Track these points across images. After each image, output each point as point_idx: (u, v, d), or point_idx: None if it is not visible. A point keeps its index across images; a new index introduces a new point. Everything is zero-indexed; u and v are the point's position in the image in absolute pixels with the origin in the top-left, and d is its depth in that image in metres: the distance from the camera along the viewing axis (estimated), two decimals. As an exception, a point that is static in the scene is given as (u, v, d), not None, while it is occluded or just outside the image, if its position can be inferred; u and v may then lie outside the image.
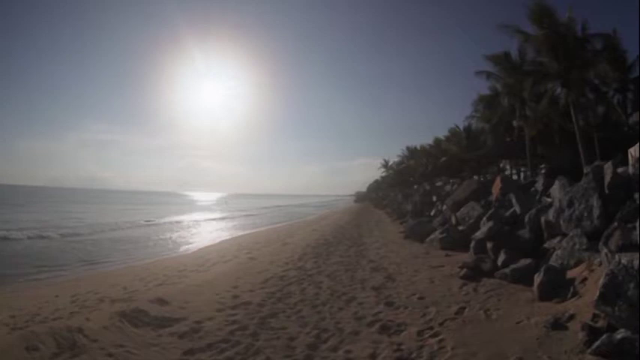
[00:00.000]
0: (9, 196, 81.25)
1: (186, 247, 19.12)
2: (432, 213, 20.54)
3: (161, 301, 7.32)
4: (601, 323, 4.46)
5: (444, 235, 12.76)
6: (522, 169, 33.97)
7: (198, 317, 6.49)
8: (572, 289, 5.87)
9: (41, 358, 4.91)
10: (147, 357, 5.08)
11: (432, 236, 13.46)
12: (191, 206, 73.45)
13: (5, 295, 9.20)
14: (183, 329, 5.94)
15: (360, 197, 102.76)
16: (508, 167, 36.56)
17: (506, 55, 27.18)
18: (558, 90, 23.16)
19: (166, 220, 36.51)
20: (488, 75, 28.66)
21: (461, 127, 40.61)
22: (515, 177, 33.06)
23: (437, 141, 50.62)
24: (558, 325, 4.89)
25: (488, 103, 30.35)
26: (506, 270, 7.69)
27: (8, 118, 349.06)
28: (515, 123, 28.94)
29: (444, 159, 42.22)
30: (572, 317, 4.98)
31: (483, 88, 30.79)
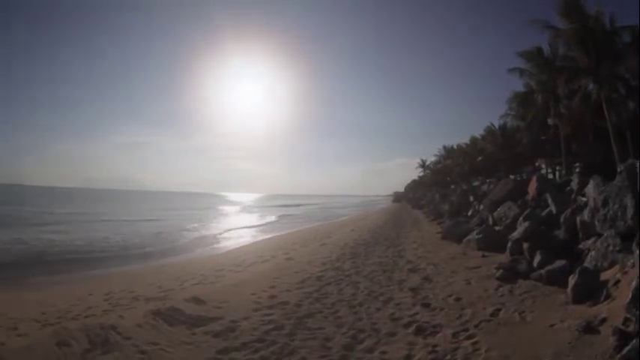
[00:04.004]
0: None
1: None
2: (469, 213, 20.10)
3: (197, 300, 7.27)
4: (632, 327, 4.31)
5: (481, 235, 12.45)
6: (557, 167, 32.40)
7: (234, 317, 6.38)
8: (605, 292, 5.67)
9: (72, 354, 4.84)
10: (180, 355, 5.02)
11: (469, 237, 13.11)
12: (242, 208, 72.58)
13: (37, 293, 9.28)
14: (218, 328, 5.87)
15: (397, 197, 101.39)
16: (543, 166, 35.00)
17: (539, 51, 25.93)
18: (590, 86, 22.13)
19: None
20: (522, 72, 27.34)
21: (496, 126, 39.44)
22: (550, 176, 31.58)
23: (473, 140, 49.32)
24: (590, 328, 4.76)
25: (522, 100, 28.92)
26: (542, 271, 7.52)
27: (44, 122, 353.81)
28: (549, 121, 27.79)
29: (480, 158, 41.22)
30: (604, 321, 4.82)
31: (519, 85, 29.73)
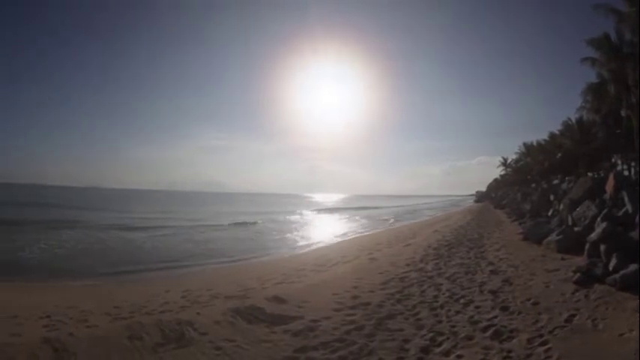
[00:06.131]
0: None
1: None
2: (550, 213, 18.49)
3: (278, 300, 6.92)
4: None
5: (561, 237, 11.53)
6: (632, 163, 27.99)
7: (314, 316, 6.01)
8: (675, 300, 5.07)
9: (143, 347, 4.62)
10: (257, 352, 4.73)
11: (549, 238, 12.16)
12: (327, 210, 67.05)
13: (112, 289, 9.13)
14: (298, 327, 5.55)
15: (480, 197, 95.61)
16: (619, 162, 30.54)
17: (607, 37, 22.92)
18: (659, 74, 18.80)
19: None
20: (593, 61, 24.29)
21: (573, 120, 35.43)
22: (626, 173, 27.51)
23: (552, 136, 45.21)
24: (658, 340, 4.32)
25: (595, 92, 25.68)
26: (616, 276, 6.84)
27: (126, 127, 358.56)
28: (623, 113, 24.24)
29: (559, 155, 37.68)
30: (671, 332, 4.35)
31: (593, 75, 26.01)
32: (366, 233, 24.06)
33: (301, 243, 20.35)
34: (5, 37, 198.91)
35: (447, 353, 4.84)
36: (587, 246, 9.27)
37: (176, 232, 24.44)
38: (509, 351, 4.83)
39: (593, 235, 9.19)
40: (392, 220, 36.07)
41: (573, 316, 5.87)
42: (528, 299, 6.96)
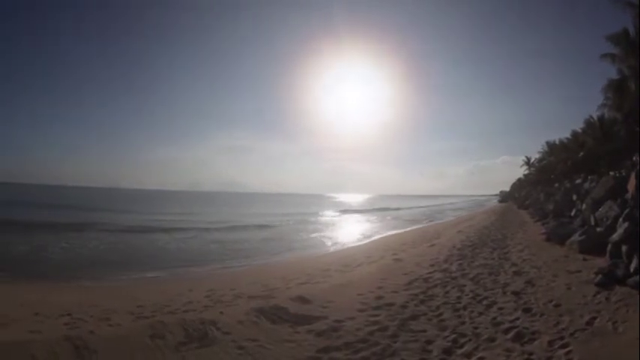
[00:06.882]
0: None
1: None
2: (573, 213, 17.93)
3: (303, 300, 6.75)
4: None
5: (583, 237, 11.23)
6: None
7: (338, 316, 5.87)
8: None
9: (165, 346, 4.49)
10: (280, 352, 4.62)
11: (572, 238, 11.86)
12: (352, 210, 64.58)
13: (134, 288, 8.98)
14: (322, 327, 5.42)
15: (504, 197, 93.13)
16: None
17: (625, 33, 21.83)
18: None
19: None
20: (613, 58, 23.13)
21: (595, 118, 34.13)
22: None
23: (574, 134, 43.67)
24: (675, 343, 4.22)
25: (616, 88, 24.36)
26: (637, 277, 6.67)
27: (150, 130, 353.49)
28: None
29: (581, 154, 36.45)
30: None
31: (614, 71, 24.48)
32: (390, 234, 23.77)
33: (326, 244, 20.03)
34: (23, 39, 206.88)
35: (468, 355, 4.75)
36: (609, 247, 9.04)
37: (199, 234, 23.96)
38: (531, 353, 4.76)
39: (615, 236, 8.96)
40: (426, 222, 35.01)
41: (594, 318, 5.75)
42: (550, 301, 6.83)
